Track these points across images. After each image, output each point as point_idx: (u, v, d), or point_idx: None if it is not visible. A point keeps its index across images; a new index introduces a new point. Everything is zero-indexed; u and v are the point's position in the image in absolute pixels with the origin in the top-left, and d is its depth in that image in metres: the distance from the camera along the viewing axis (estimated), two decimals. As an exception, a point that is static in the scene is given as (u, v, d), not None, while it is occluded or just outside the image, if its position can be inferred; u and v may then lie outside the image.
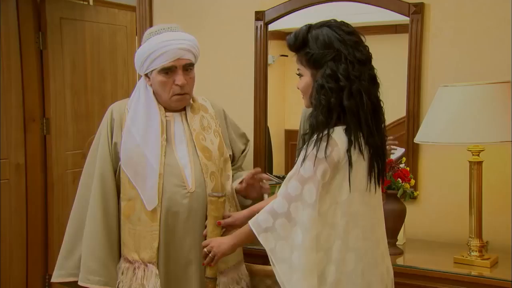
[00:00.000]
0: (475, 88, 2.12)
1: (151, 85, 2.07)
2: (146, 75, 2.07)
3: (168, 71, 2.02)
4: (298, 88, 1.73)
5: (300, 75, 1.71)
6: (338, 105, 1.59)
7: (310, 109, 1.66)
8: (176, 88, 2.02)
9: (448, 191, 2.47)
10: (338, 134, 1.59)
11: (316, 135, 1.59)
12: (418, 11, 2.47)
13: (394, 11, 2.52)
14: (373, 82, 1.65)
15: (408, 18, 2.50)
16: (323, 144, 1.57)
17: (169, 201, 1.98)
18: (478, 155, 2.17)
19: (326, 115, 1.59)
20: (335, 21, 1.67)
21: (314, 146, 1.58)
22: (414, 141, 2.33)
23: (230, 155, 2.18)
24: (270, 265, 2.29)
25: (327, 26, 1.65)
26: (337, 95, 1.59)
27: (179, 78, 2.01)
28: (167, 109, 2.08)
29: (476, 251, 2.18)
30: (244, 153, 2.32)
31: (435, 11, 2.47)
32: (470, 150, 2.18)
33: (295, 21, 2.78)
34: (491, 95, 2.10)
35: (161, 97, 2.06)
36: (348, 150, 1.59)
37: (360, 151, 1.60)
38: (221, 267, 2.04)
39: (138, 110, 2.06)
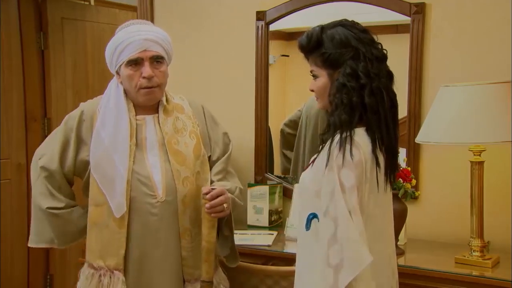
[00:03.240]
0: (476, 88, 2.12)
1: (121, 82, 1.99)
2: (118, 72, 1.99)
3: (134, 63, 1.93)
4: (312, 90, 1.68)
5: (315, 76, 1.66)
6: (360, 103, 1.56)
7: (314, 108, 1.63)
8: (143, 81, 1.93)
9: (449, 191, 2.47)
10: (360, 136, 1.57)
11: (339, 137, 1.55)
12: (419, 11, 2.47)
13: (395, 11, 2.52)
14: (390, 78, 1.64)
15: (409, 18, 2.49)
16: (348, 147, 1.53)
17: (138, 210, 1.91)
18: (480, 155, 2.17)
19: (349, 113, 1.55)
20: (347, 20, 1.65)
21: (340, 150, 1.53)
22: (415, 141, 2.33)
23: (209, 156, 2.08)
24: (270, 265, 2.30)
25: (341, 26, 1.62)
26: (359, 93, 1.56)
27: (146, 70, 1.92)
28: (139, 111, 1.99)
29: (477, 251, 2.17)
30: (224, 157, 2.12)
31: (436, 11, 2.47)
32: (471, 150, 2.18)
33: (296, 21, 2.78)
34: (492, 95, 2.10)
35: (130, 93, 1.98)
36: (373, 151, 1.56)
37: (381, 150, 1.59)
38: (197, 274, 1.97)
39: (108, 111, 1.97)
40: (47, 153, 2.06)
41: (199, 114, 2.11)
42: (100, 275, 1.95)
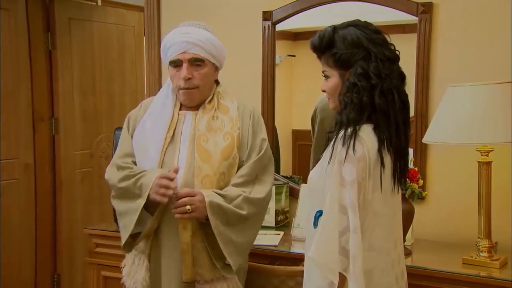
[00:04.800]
0: (483, 88, 2.11)
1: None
2: None
3: (175, 64, 2.02)
4: (324, 91, 1.68)
5: (326, 76, 1.66)
6: (370, 103, 1.56)
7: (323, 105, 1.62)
8: (181, 82, 2.00)
9: (457, 191, 2.46)
10: (366, 132, 1.56)
11: (343, 132, 1.55)
12: (426, 10, 2.47)
13: (403, 11, 2.52)
14: (402, 80, 1.64)
15: (416, 18, 2.49)
16: (352, 142, 1.53)
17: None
18: (487, 155, 2.16)
19: (358, 112, 1.56)
20: (360, 20, 1.65)
21: (343, 145, 1.54)
22: (423, 141, 2.32)
23: (243, 160, 2.06)
24: (276, 265, 2.29)
25: (353, 26, 1.62)
26: (369, 93, 1.56)
27: (182, 72, 1.99)
28: (184, 106, 2.07)
29: (485, 251, 2.16)
30: (250, 162, 2.05)
31: (443, 10, 2.46)
32: (479, 150, 2.17)
33: (302, 21, 2.78)
34: (500, 95, 2.09)
35: (174, 91, 2.08)
36: (379, 150, 1.56)
37: (388, 150, 1.59)
38: (206, 276, 1.97)
39: (157, 102, 2.10)
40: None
41: (245, 118, 2.10)
42: (135, 256, 2.07)
